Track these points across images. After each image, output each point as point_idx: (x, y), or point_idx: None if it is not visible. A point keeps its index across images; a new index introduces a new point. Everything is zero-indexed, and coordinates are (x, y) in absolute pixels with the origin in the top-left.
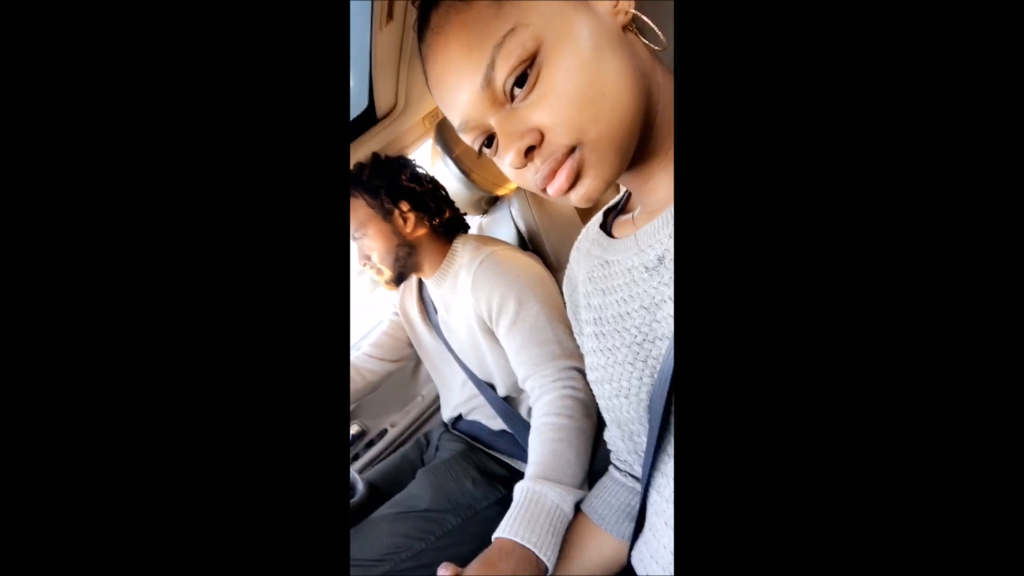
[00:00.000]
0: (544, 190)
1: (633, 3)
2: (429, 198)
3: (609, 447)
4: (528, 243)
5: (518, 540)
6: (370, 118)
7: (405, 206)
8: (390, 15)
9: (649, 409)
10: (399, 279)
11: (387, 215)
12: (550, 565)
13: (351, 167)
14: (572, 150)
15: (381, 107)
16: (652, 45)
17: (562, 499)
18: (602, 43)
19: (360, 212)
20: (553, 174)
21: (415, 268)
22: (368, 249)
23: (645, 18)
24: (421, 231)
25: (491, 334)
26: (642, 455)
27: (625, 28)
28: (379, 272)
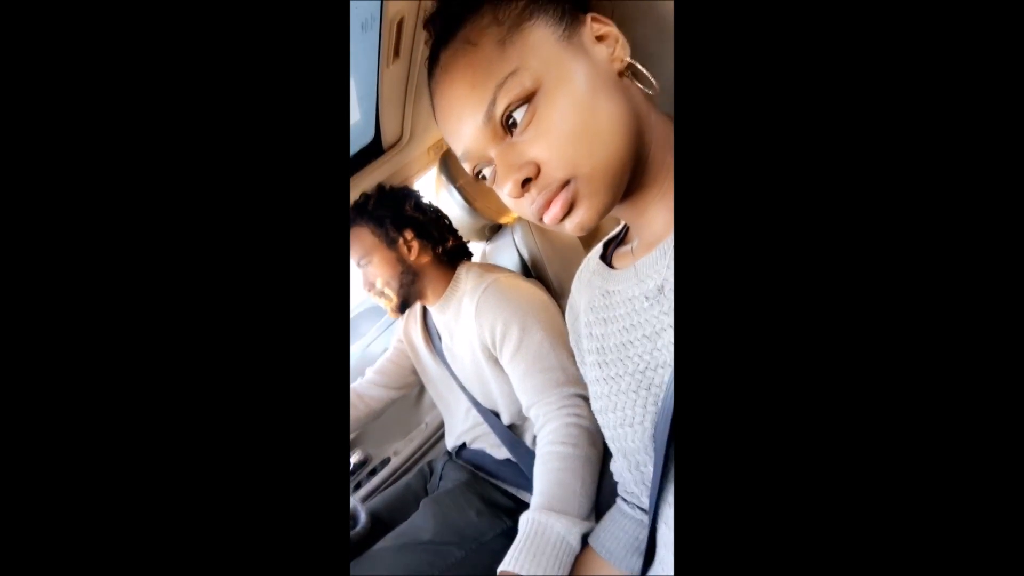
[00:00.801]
0: (540, 219)
1: (628, 52)
2: (433, 226)
3: (616, 478)
4: (531, 270)
5: (523, 574)
6: (376, 149)
7: (409, 234)
8: (397, 53)
9: (654, 438)
10: (403, 306)
11: (392, 243)
12: None
13: (357, 197)
14: (567, 183)
15: (387, 139)
16: (645, 89)
17: (568, 531)
18: (598, 86)
19: (366, 240)
20: (548, 204)
21: (419, 295)
22: (373, 276)
23: (639, 65)
24: (425, 259)
25: (495, 361)
26: (649, 486)
27: (621, 74)
28: (385, 299)
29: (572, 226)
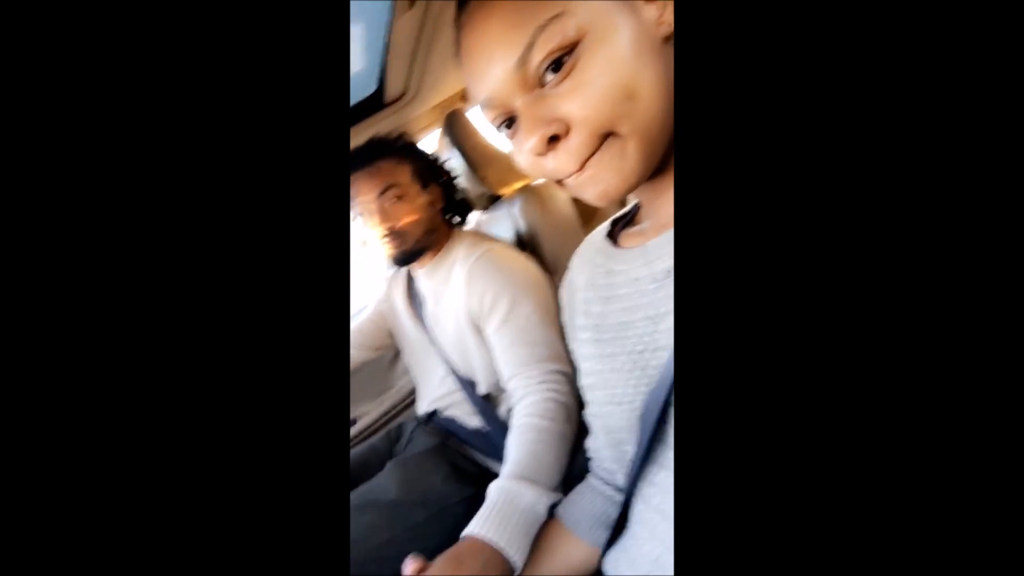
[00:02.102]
0: (562, 181)
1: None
2: (453, 185)
3: (590, 455)
4: (526, 245)
5: (489, 539)
6: (376, 102)
7: (436, 190)
8: (412, 0)
9: (641, 418)
10: (410, 258)
11: (425, 187)
12: (518, 567)
13: (385, 135)
14: (600, 143)
15: (390, 92)
16: None
17: (537, 500)
18: (643, 47)
19: (404, 174)
20: (582, 165)
21: (425, 250)
22: (399, 214)
23: None
24: (437, 216)
25: (479, 331)
26: (627, 464)
27: (666, 40)
28: (397, 242)
29: (594, 196)
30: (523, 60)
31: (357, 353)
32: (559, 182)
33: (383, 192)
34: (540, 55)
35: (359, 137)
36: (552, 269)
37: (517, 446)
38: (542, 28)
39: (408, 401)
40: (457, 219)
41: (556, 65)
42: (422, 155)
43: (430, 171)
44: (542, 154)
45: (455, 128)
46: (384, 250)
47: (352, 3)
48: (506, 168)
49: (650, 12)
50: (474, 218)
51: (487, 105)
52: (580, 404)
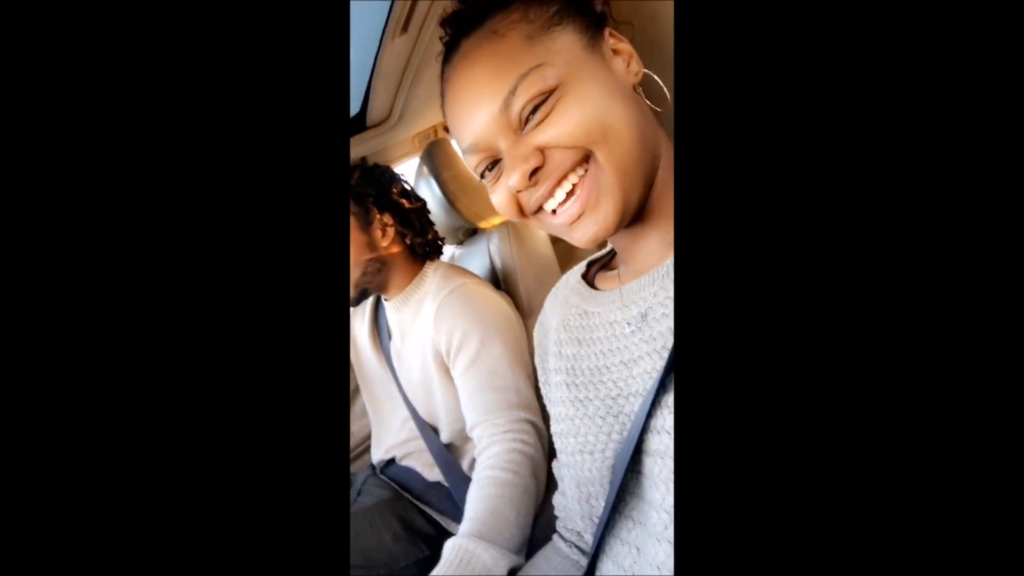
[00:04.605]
0: (540, 210)
1: (642, 67)
2: (416, 216)
3: (557, 513)
4: (501, 282)
5: None
6: (359, 125)
7: (388, 219)
8: (405, 28)
9: (613, 468)
10: (360, 298)
11: (367, 225)
12: None
13: None
14: (577, 167)
15: (373, 116)
16: (655, 107)
17: (495, 563)
18: (615, 92)
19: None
20: (552, 192)
21: (380, 287)
22: None
23: (655, 76)
24: (396, 248)
25: (446, 371)
26: (596, 520)
27: (634, 88)
28: None
29: (583, 234)
30: (506, 104)
31: None
32: (538, 211)
33: None
34: (522, 99)
35: None
36: (527, 311)
37: (476, 500)
38: (524, 76)
39: (363, 447)
40: (428, 245)
41: (537, 109)
42: (358, 191)
43: (377, 204)
44: (524, 189)
45: (436, 156)
46: None
47: None
48: (485, 200)
49: (618, 64)
50: (450, 252)
51: (472, 150)
52: (548, 458)
